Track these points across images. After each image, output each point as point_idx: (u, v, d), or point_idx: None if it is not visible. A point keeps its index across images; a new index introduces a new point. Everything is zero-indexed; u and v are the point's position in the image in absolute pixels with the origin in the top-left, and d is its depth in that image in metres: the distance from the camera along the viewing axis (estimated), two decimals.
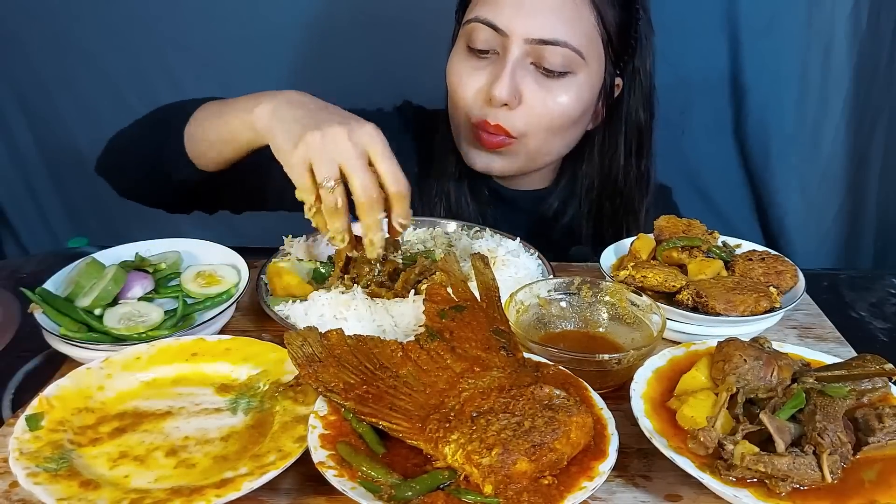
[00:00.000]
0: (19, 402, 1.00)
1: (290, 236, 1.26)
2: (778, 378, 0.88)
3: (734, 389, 0.85)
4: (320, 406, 0.84)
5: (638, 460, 0.88)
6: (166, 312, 1.07)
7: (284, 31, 2.05)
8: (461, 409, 0.81)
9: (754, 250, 1.23)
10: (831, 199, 2.13)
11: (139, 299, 1.09)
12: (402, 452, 0.80)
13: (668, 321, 1.05)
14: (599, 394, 0.88)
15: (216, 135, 1.25)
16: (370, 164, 1.03)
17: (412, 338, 0.95)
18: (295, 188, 1.06)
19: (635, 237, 1.24)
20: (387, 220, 1.08)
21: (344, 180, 1.03)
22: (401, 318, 1.08)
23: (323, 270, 1.17)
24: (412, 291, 1.12)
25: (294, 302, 1.11)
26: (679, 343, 1.01)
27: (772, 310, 1.08)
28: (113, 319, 1.03)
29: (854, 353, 1.08)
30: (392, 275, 1.14)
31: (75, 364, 0.98)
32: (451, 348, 0.91)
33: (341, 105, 1.22)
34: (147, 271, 1.13)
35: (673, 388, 0.90)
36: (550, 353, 0.96)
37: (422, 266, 1.15)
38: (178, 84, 2.11)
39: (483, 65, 1.35)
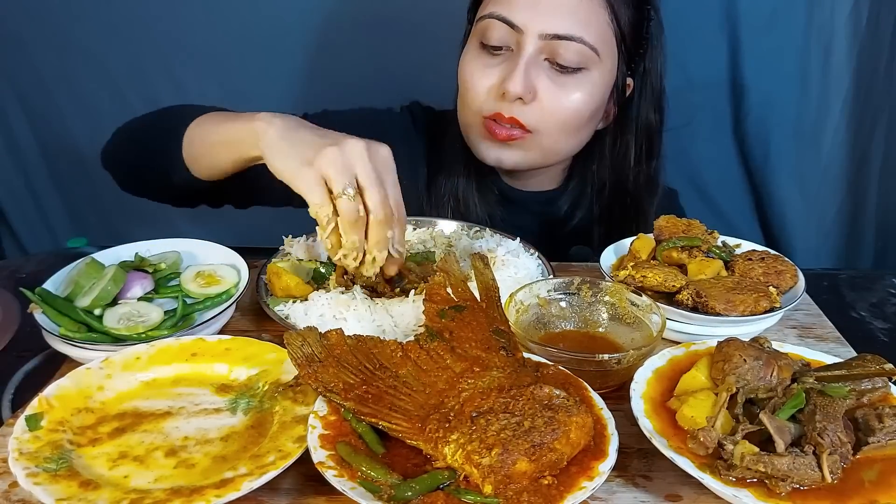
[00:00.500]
0: (19, 402, 1.00)
1: (290, 236, 1.26)
2: (778, 378, 0.88)
3: (734, 389, 0.85)
4: (320, 406, 0.84)
5: (638, 460, 0.87)
6: (166, 312, 1.07)
7: (287, 31, 2.05)
8: (461, 410, 0.81)
9: (754, 250, 1.23)
10: (831, 199, 2.13)
11: (139, 299, 1.09)
12: (402, 452, 0.80)
13: (667, 321, 1.05)
14: (599, 394, 0.88)
15: (213, 145, 1.25)
16: None
17: (412, 338, 0.95)
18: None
19: (635, 237, 1.24)
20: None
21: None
22: (401, 318, 1.08)
23: (323, 271, 1.17)
24: (412, 291, 1.12)
25: (294, 302, 1.11)
26: (679, 343, 1.01)
27: (772, 310, 1.08)
28: (113, 319, 1.03)
29: (854, 353, 1.08)
30: (390, 277, 1.14)
31: (75, 364, 0.98)
32: (450, 348, 0.91)
33: (349, 104, 1.23)
34: (147, 271, 1.13)
35: (673, 388, 0.90)
36: (550, 353, 0.96)
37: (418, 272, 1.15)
38: (179, 84, 2.11)
39: (496, 62, 1.35)
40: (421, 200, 1.53)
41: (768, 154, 2.08)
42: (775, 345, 0.96)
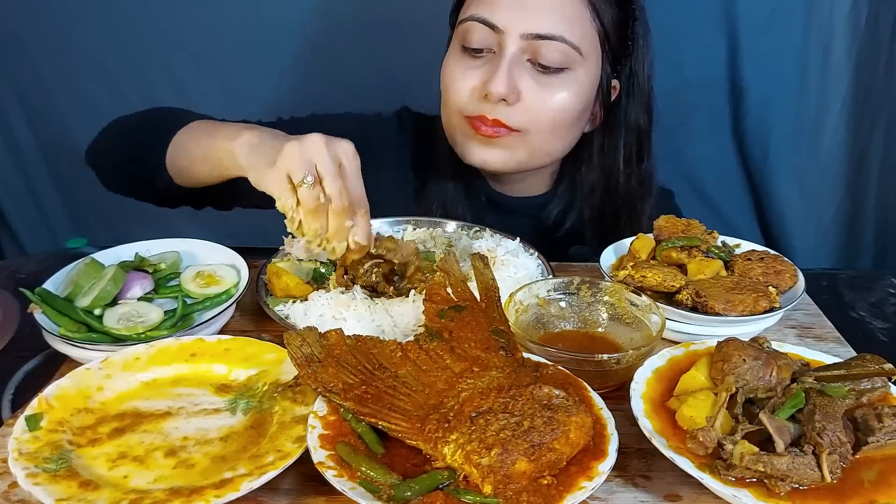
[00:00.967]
0: (19, 402, 1.00)
1: (290, 236, 1.26)
2: (777, 378, 0.88)
3: (733, 389, 0.85)
4: (319, 406, 0.84)
5: (638, 460, 0.88)
6: (166, 313, 1.07)
7: (286, 32, 2.05)
8: (460, 410, 0.81)
9: (753, 250, 1.23)
10: (830, 199, 2.13)
11: (139, 299, 1.09)
12: (402, 452, 0.80)
13: (667, 321, 1.05)
14: (599, 394, 0.88)
15: (194, 160, 1.27)
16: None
17: (411, 338, 0.95)
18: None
19: (635, 237, 1.24)
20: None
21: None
22: (400, 318, 1.08)
23: (323, 271, 1.17)
24: (412, 291, 1.12)
25: (294, 302, 1.11)
26: (678, 343, 1.01)
27: (771, 310, 1.08)
28: (112, 319, 1.03)
29: (854, 353, 1.08)
30: (388, 276, 1.14)
31: (75, 364, 0.98)
32: (450, 348, 0.92)
33: (341, 108, 1.23)
34: (146, 271, 1.13)
35: (672, 388, 0.90)
36: (550, 353, 0.96)
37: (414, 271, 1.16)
38: (178, 84, 2.11)
39: (478, 64, 1.34)
40: (409, 206, 1.51)
41: (767, 154, 2.08)
42: (775, 345, 0.96)
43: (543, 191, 1.54)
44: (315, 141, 1.03)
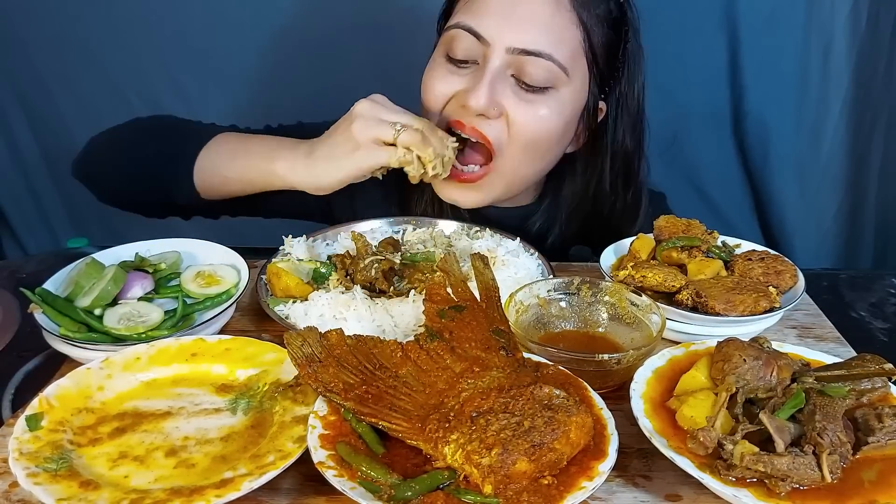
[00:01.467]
0: (19, 402, 1.00)
1: (290, 236, 1.26)
2: (777, 378, 0.88)
3: (734, 389, 0.85)
4: (320, 406, 0.84)
5: (638, 460, 0.88)
6: (166, 312, 1.07)
7: (285, 34, 2.05)
8: (461, 410, 0.81)
9: (754, 250, 1.23)
10: (831, 199, 2.13)
11: (139, 299, 1.09)
12: (402, 452, 0.80)
13: (667, 321, 1.05)
14: (599, 394, 0.88)
15: (227, 180, 1.34)
16: None
17: (412, 338, 0.95)
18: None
19: (635, 237, 1.24)
20: None
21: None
22: (401, 318, 1.08)
23: (323, 271, 1.17)
24: (412, 291, 1.12)
25: (294, 302, 1.11)
26: (679, 343, 1.01)
27: (771, 310, 1.08)
28: (113, 319, 1.03)
29: (854, 353, 1.08)
30: (387, 273, 1.14)
31: (75, 364, 0.98)
32: (450, 348, 0.92)
33: (340, 115, 1.25)
34: (147, 271, 1.13)
35: (673, 388, 0.90)
36: (550, 353, 0.96)
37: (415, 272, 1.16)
38: (178, 84, 2.11)
39: (461, 72, 1.30)
40: (393, 216, 1.49)
41: (767, 154, 2.08)
42: (775, 345, 0.96)
43: (529, 201, 1.50)
44: (362, 106, 1.20)
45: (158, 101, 2.11)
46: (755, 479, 0.77)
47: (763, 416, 0.80)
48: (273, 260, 1.20)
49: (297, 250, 1.23)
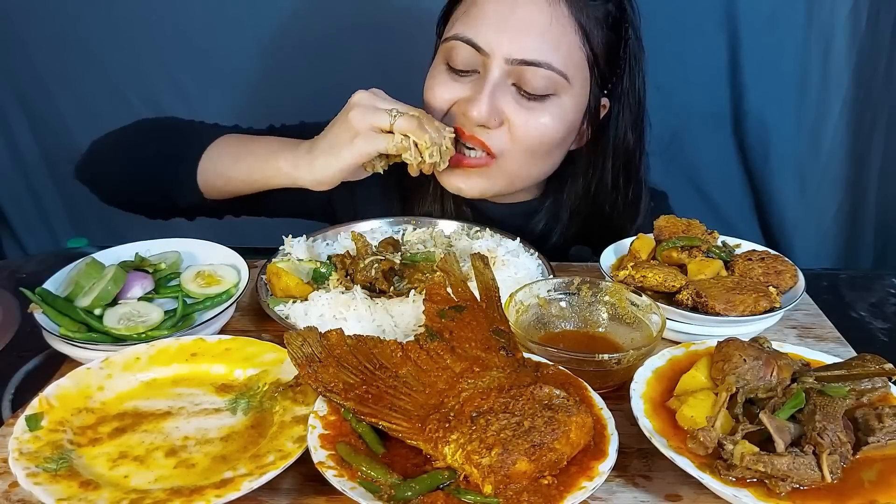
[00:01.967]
0: (19, 402, 1.00)
1: (290, 236, 1.26)
2: (778, 378, 0.88)
3: (734, 389, 0.85)
4: (320, 406, 0.84)
5: (638, 460, 0.88)
6: (166, 312, 1.07)
7: (285, 34, 2.05)
8: (461, 409, 0.81)
9: (754, 250, 1.23)
10: (831, 199, 2.13)
11: (139, 299, 1.09)
12: (402, 452, 0.80)
13: (667, 321, 1.05)
14: (599, 394, 0.88)
15: (231, 180, 1.35)
16: None
17: (412, 338, 0.95)
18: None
19: (635, 237, 1.24)
20: None
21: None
22: (401, 318, 1.08)
23: (323, 271, 1.17)
24: (412, 291, 1.12)
25: (294, 302, 1.11)
26: (679, 343, 1.01)
27: (771, 310, 1.08)
28: (113, 319, 1.03)
29: (854, 353, 1.08)
30: (387, 273, 1.14)
31: (75, 364, 0.98)
32: (450, 348, 0.92)
33: (335, 114, 1.26)
34: (147, 271, 1.13)
35: (673, 388, 0.90)
36: (550, 353, 0.96)
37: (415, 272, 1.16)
38: (178, 84, 2.11)
39: (462, 81, 1.31)
40: (395, 213, 1.48)
41: (768, 154, 2.08)
42: (775, 345, 0.96)
43: (529, 198, 1.51)
44: (359, 96, 1.23)
45: (158, 101, 2.11)
46: (755, 479, 0.77)
47: (763, 416, 0.80)
48: (273, 260, 1.20)
49: (297, 250, 1.23)
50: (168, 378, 0.94)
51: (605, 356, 0.95)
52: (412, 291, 1.12)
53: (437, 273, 1.10)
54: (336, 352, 0.89)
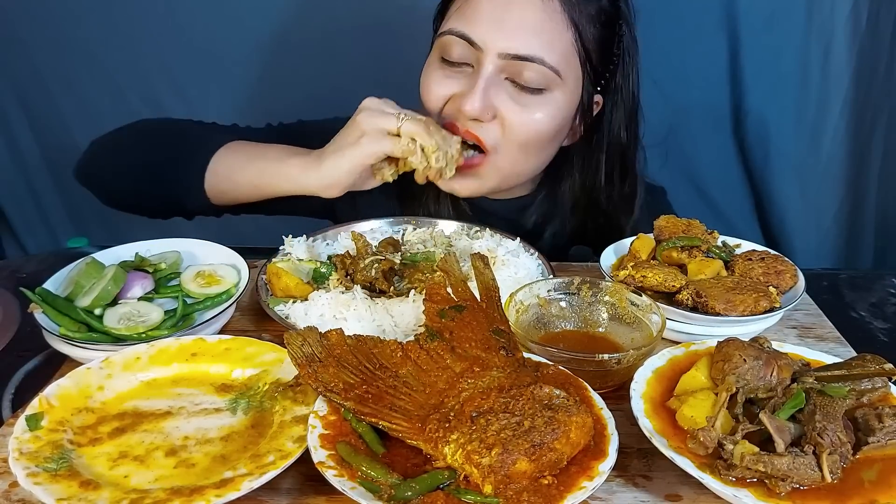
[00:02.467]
0: (19, 402, 1.00)
1: (290, 236, 1.26)
2: (778, 378, 0.88)
3: (734, 389, 0.85)
4: (320, 406, 0.84)
5: (638, 460, 0.88)
6: (166, 312, 1.07)
7: (285, 34, 2.05)
8: (461, 409, 0.81)
9: (754, 250, 1.23)
10: (831, 199, 2.13)
11: (139, 299, 1.09)
12: (402, 452, 0.80)
13: (667, 321, 1.05)
14: (599, 394, 0.88)
15: (239, 185, 1.35)
16: None
17: (412, 338, 0.95)
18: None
19: (635, 237, 1.24)
20: None
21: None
22: (401, 318, 1.08)
23: (323, 271, 1.17)
24: (412, 291, 1.12)
25: (294, 302, 1.11)
26: (679, 343, 1.01)
27: (771, 310, 1.08)
28: (113, 319, 1.03)
29: (854, 353, 1.08)
30: (387, 273, 1.14)
31: (75, 364, 0.98)
32: (450, 348, 0.92)
33: (334, 113, 1.26)
34: (147, 271, 1.13)
35: (673, 388, 0.90)
36: (550, 353, 0.96)
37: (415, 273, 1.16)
38: (178, 84, 2.11)
39: (456, 75, 1.32)
40: (393, 205, 1.49)
41: (768, 154, 2.08)
42: (775, 345, 0.96)
43: (524, 194, 1.52)
44: (369, 101, 1.25)
45: (158, 101, 2.11)
46: (755, 479, 0.77)
47: (763, 416, 0.80)
48: (273, 260, 1.20)
49: (297, 250, 1.23)
50: (168, 378, 0.94)
51: (606, 356, 0.95)
52: (412, 291, 1.12)
53: (437, 273, 1.10)
54: (336, 352, 0.89)
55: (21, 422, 0.82)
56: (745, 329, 1.08)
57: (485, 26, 1.27)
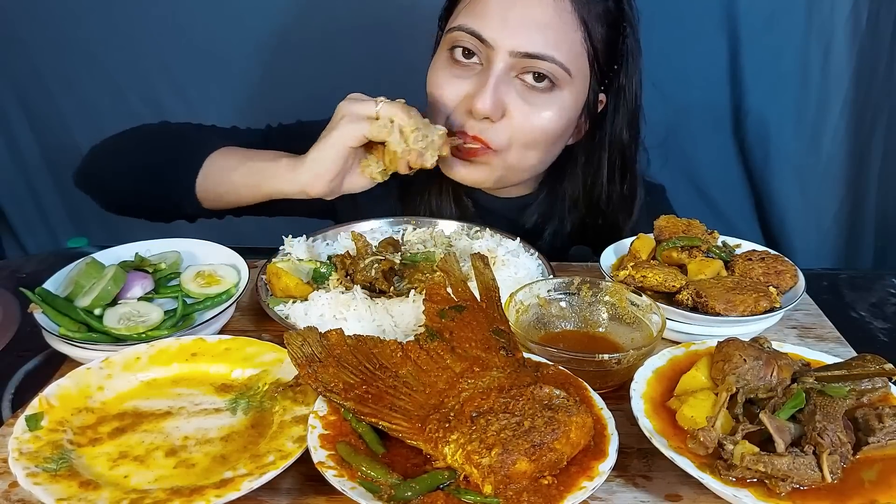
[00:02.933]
0: (19, 402, 1.00)
1: (290, 236, 1.26)
2: (778, 378, 0.88)
3: (734, 389, 0.85)
4: (320, 406, 0.84)
5: (638, 460, 0.88)
6: (166, 312, 1.07)
7: (285, 34, 2.05)
8: (461, 409, 0.81)
9: (754, 250, 1.23)
10: (831, 199, 2.13)
11: (139, 299, 1.09)
12: (402, 452, 0.80)
13: (667, 321, 1.05)
14: (599, 394, 0.88)
15: (237, 181, 1.34)
16: None
17: (412, 338, 0.95)
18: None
19: (635, 237, 1.24)
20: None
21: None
22: (401, 318, 1.08)
23: (323, 271, 1.17)
24: (412, 291, 1.12)
25: (294, 302, 1.11)
26: (679, 343, 1.01)
27: (772, 310, 1.08)
28: (113, 319, 1.03)
29: (854, 353, 1.08)
30: (387, 273, 1.14)
31: (75, 364, 0.98)
32: (450, 348, 0.91)
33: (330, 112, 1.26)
34: (147, 271, 1.13)
35: (673, 388, 0.90)
36: (550, 353, 0.96)
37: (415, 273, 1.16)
38: (178, 84, 2.11)
39: (465, 74, 1.32)
40: (394, 204, 1.49)
41: (768, 154, 2.08)
42: (775, 345, 0.96)
43: (526, 192, 1.52)
44: (350, 93, 1.25)
45: (158, 101, 2.11)
46: (755, 480, 0.77)
47: (763, 416, 0.80)
48: (273, 260, 1.20)
49: (297, 250, 1.23)
50: (168, 378, 0.94)
51: (606, 356, 0.95)
52: (412, 291, 1.12)
53: (437, 273, 1.10)
54: (336, 352, 0.89)
55: (21, 422, 0.82)
56: (745, 329, 1.08)
57: (496, 23, 1.27)
